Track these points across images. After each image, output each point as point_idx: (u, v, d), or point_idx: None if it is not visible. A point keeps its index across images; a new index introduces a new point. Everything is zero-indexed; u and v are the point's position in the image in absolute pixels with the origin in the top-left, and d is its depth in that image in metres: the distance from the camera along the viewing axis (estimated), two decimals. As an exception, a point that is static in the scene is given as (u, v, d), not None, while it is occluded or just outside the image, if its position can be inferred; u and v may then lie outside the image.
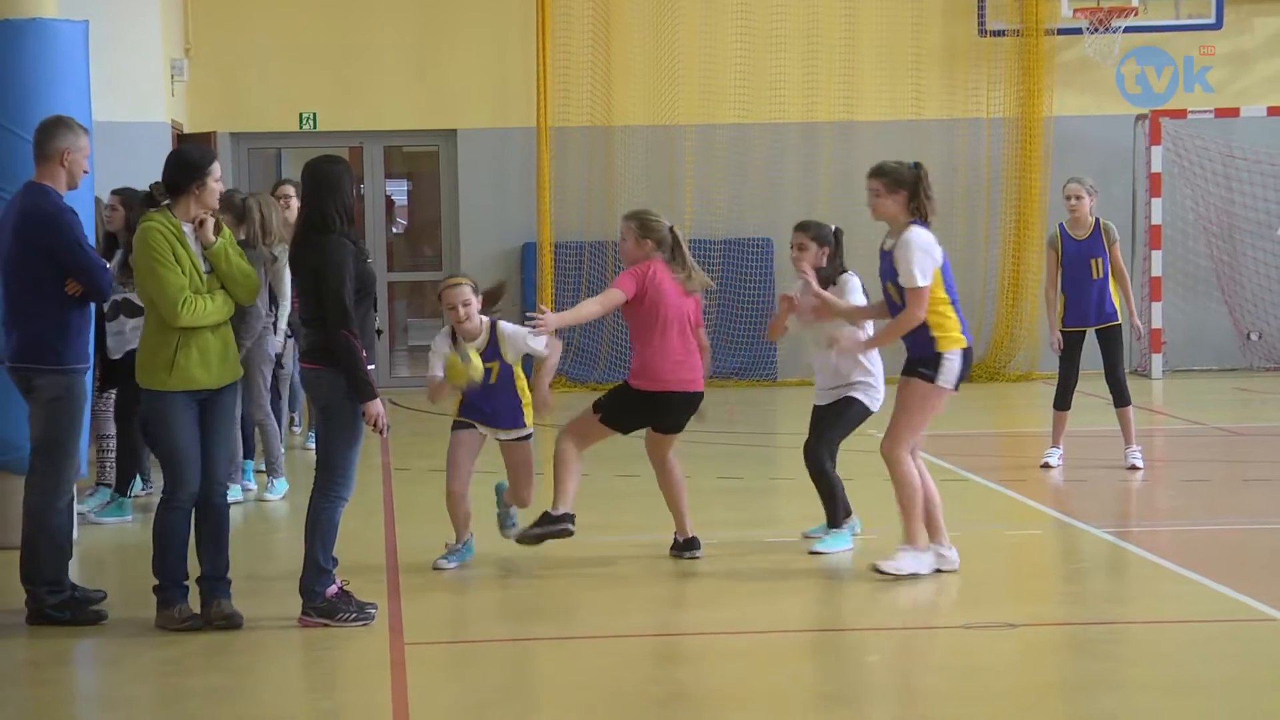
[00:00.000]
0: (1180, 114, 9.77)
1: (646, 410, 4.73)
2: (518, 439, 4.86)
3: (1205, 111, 9.88)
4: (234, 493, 5.13)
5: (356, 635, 3.97)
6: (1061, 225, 6.45)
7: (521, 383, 4.79)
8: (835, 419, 5.09)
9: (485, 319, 4.69)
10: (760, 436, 8.51)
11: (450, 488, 4.77)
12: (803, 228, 5.13)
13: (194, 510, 3.83)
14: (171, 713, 3.43)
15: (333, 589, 3.83)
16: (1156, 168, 9.70)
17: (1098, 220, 6.28)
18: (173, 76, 9.42)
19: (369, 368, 3.78)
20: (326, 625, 3.80)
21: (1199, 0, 9.83)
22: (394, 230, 11.51)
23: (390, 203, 11.29)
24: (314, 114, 9.98)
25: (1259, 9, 10.24)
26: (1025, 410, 9.72)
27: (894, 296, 4.35)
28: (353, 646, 3.94)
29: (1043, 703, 3.41)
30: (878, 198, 4.51)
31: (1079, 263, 6.34)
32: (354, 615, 3.83)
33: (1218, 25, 9.69)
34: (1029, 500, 6.02)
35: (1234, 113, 9.90)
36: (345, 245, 3.75)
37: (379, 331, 4.13)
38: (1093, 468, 6.85)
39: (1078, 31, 9.79)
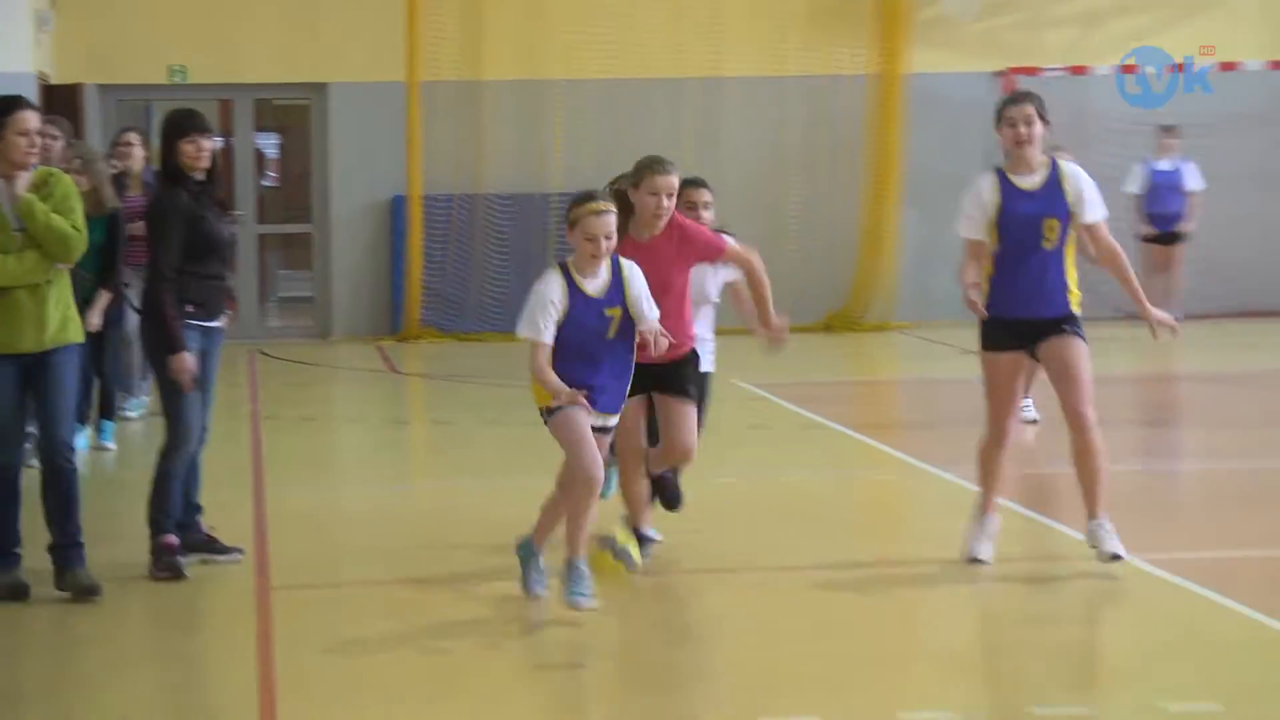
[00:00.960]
0: (1034, 71, 10.10)
1: None
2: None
3: (1059, 69, 10.25)
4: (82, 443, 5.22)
5: (224, 578, 4.16)
6: None
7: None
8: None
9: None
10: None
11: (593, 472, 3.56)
12: (700, 183, 4.55)
13: (44, 475, 3.79)
14: (36, 661, 3.59)
15: (169, 539, 3.90)
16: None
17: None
18: (38, 26, 9.45)
19: (209, 321, 3.86)
20: (166, 577, 3.88)
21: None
22: (264, 183, 11.62)
23: (260, 156, 11.42)
24: (183, 67, 10.05)
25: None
26: (882, 359, 10.17)
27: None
28: (220, 589, 4.12)
29: (889, 638, 3.70)
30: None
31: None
32: (167, 573, 3.84)
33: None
34: (883, 445, 6.36)
35: (1084, 70, 10.29)
36: (177, 197, 3.76)
37: (226, 288, 4.03)
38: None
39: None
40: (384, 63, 10.09)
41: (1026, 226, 4.03)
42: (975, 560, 4.12)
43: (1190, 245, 9.99)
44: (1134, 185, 10.11)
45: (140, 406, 6.67)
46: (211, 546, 4.10)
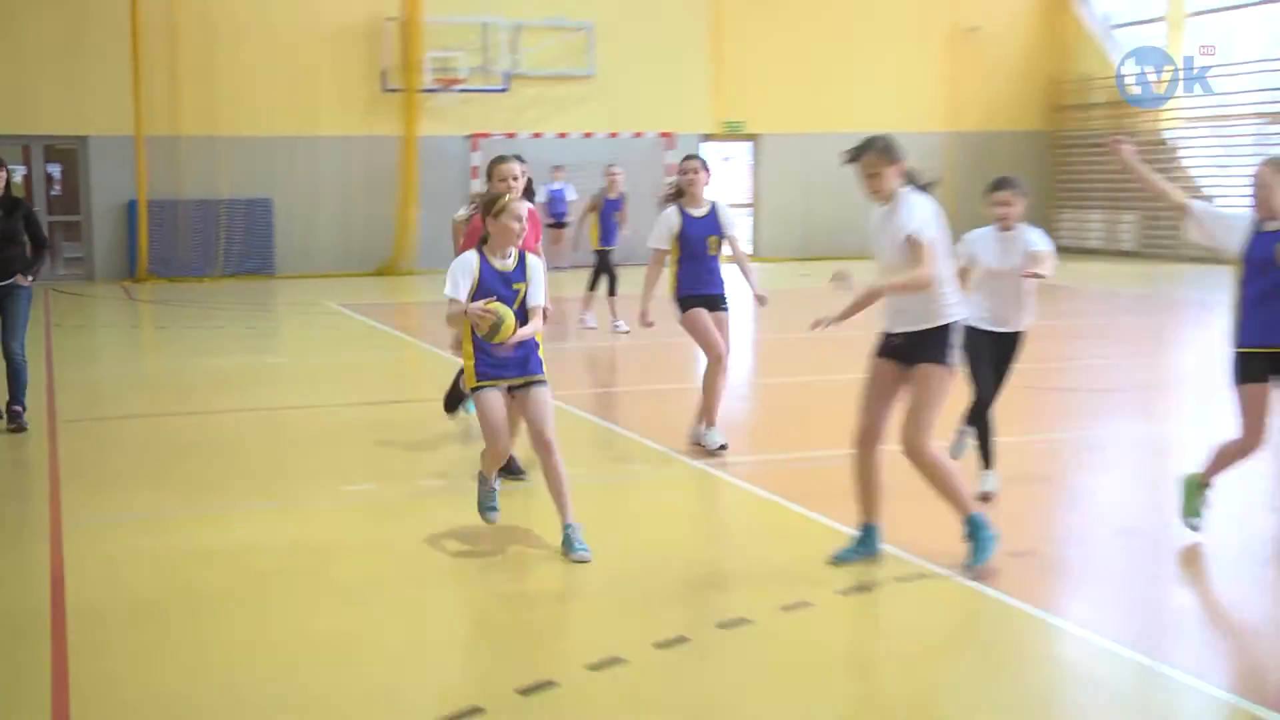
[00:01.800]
0: (486, 135, 18.84)
1: None
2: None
3: (508, 134, 19.00)
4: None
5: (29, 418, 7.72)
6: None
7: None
8: None
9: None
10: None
11: (501, 450, 5.01)
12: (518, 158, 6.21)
13: None
14: None
15: None
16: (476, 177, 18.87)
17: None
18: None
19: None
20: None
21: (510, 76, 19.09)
22: (53, 192, 18.65)
23: (50, 177, 18.53)
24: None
25: (531, 82, 19.44)
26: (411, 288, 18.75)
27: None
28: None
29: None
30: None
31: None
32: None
33: (504, 89, 18.97)
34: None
35: (524, 134, 19.16)
36: None
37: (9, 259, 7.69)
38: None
39: (434, 90, 18.77)
40: (122, 120, 17.55)
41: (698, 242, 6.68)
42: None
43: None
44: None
45: None
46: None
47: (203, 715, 3.69)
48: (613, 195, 12.45)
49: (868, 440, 4.83)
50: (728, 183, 20.25)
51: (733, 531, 6.07)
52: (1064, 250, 10.45)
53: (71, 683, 3.88)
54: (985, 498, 5.47)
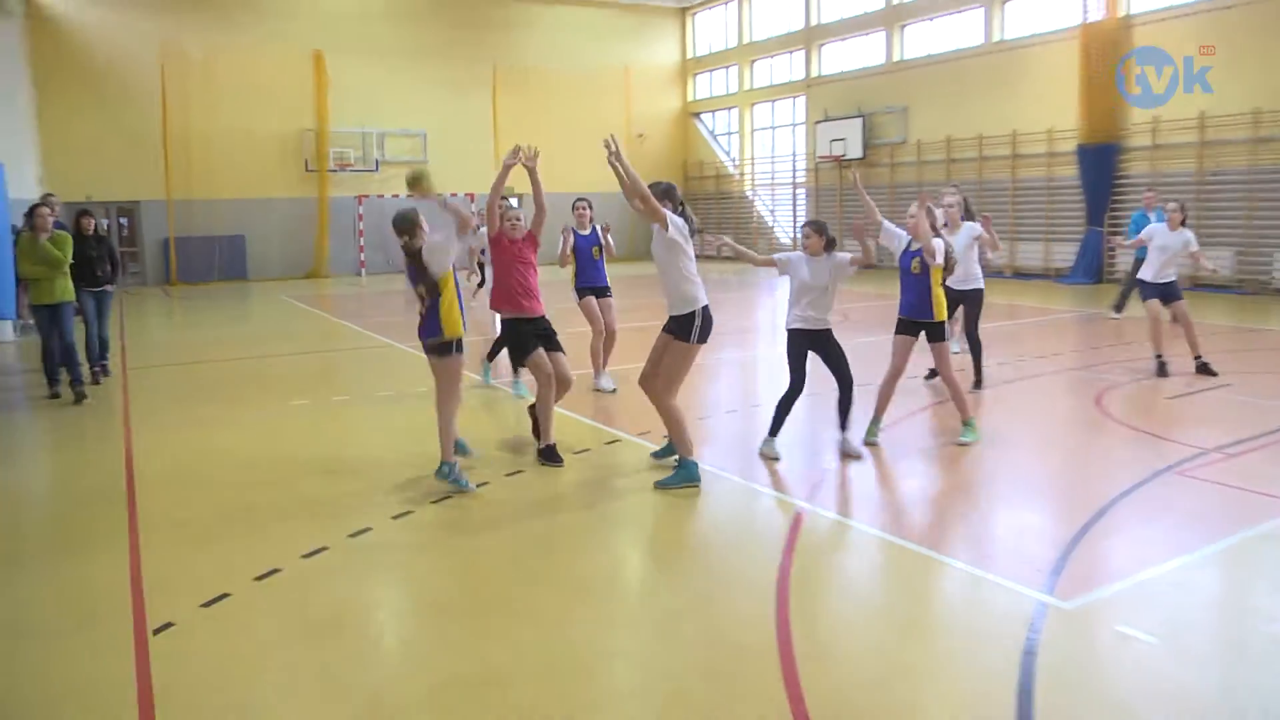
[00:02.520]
0: (366, 196, 33.40)
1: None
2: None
3: (379, 195, 33.64)
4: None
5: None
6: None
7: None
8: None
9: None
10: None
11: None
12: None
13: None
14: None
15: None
16: (362, 219, 33.45)
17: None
18: None
19: None
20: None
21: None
22: None
23: None
24: None
25: (391, 165, 34.19)
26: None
27: None
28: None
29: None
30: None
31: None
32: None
33: (376, 170, 33.67)
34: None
35: (388, 195, 33.91)
36: None
37: None
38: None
39: (335, 170, 32.97)
40: (159, 189, 31.27)
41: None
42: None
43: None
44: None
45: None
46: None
47: (209, 515, 6.51)
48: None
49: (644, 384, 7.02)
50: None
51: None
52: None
53: (140, 518, 6.39)
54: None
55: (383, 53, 32.41)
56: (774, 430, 7.74)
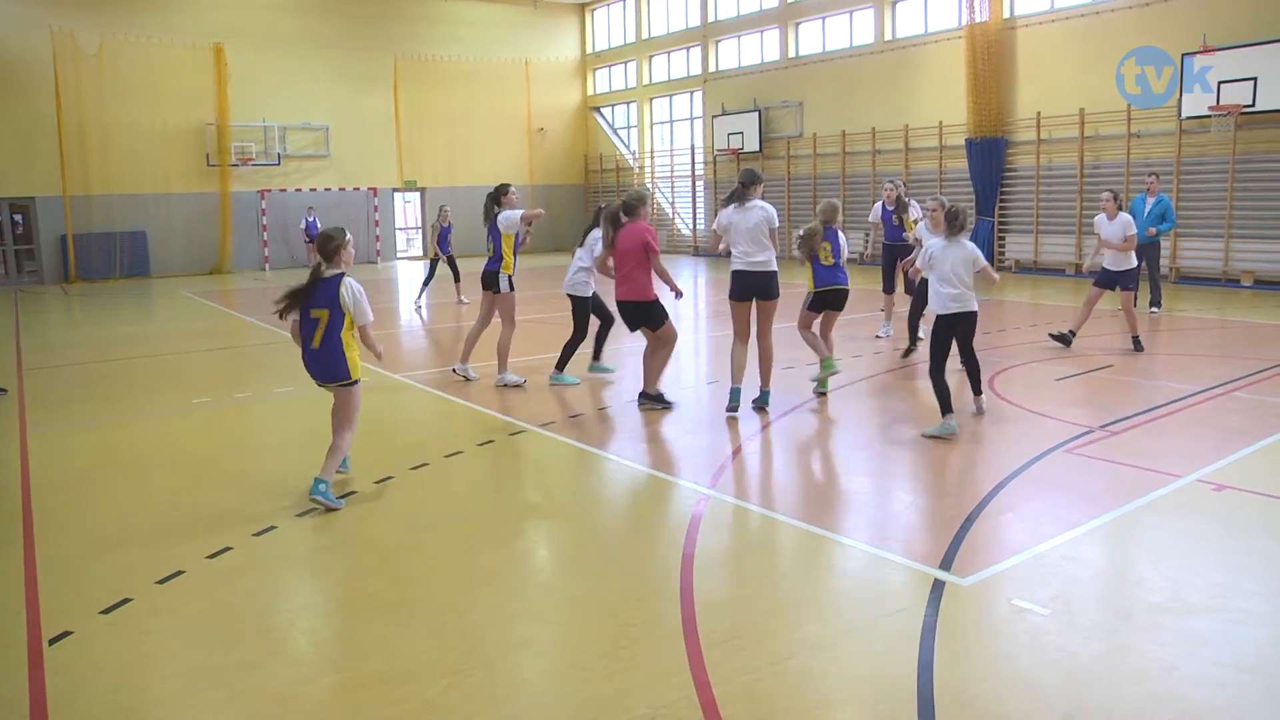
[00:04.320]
0: (269, 190, 32.75)
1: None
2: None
3: (281, 189, 33.01)
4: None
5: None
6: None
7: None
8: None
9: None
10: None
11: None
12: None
13: None
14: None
15: None
16: (265, 214, 32.78)
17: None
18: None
19: None
20: None
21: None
22: None
23: None
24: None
25: (293, 159, 33.56)
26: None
27: None
28: None
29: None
30: None
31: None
32: None
33: (278, 164, 32.99)
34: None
35: (290, 189, 33.25)
36: None
37: None
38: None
39: (237, 165, 32.30)
40: (54, 185, 30.26)
41: None
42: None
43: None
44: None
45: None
46: None
47: (110, 518, 6.44)
48: (445, 224, 18.12)
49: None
50: (411, 216, 35.20)
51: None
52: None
53: (36, 524, 6.34)
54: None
55: (284, 45, 31.87)
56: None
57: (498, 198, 10.06)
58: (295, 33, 32.19)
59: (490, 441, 8.28)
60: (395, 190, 34.59)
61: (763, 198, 8.90)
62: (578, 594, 5.26)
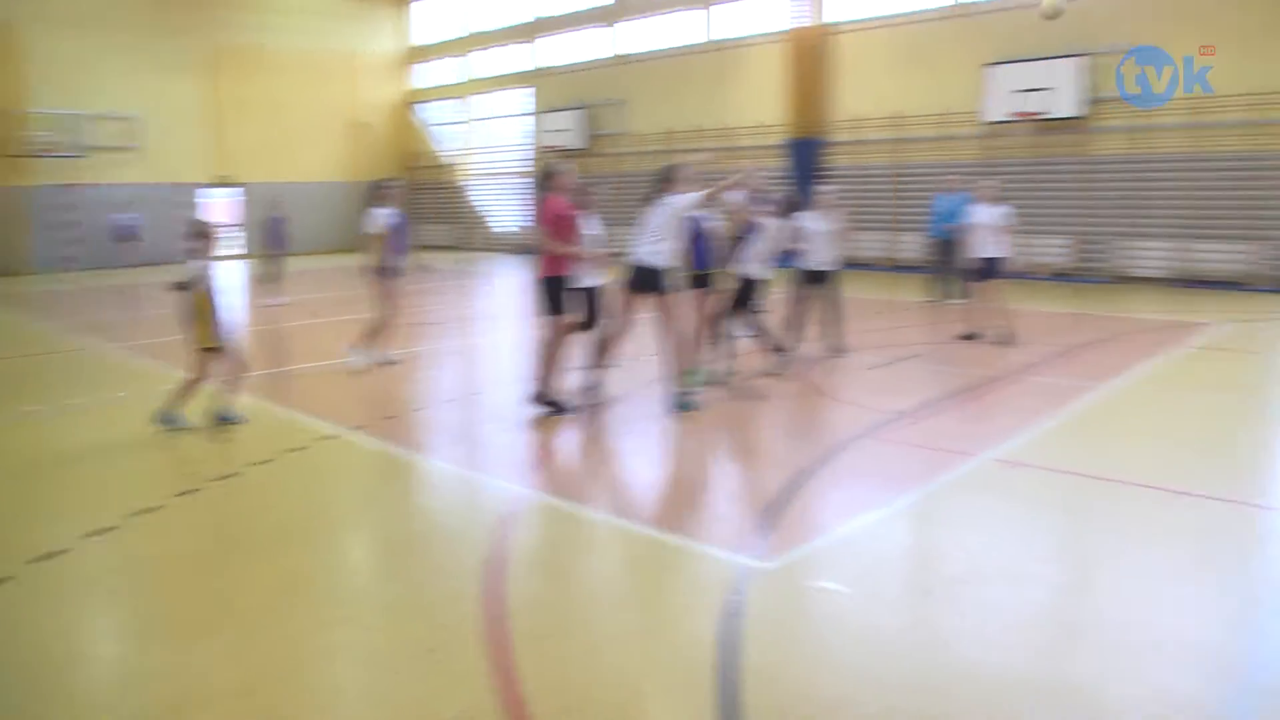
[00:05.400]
0: (76, 184, 30.94)
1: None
2: None
3: (92, 184, 31.22)
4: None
5: None
6: None
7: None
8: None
9: None
10: None
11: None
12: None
13: None
14: None
15: None
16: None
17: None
18: None
19: None
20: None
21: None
22: None
23: None
24: None
25: (103, 151, 31.79)
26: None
27: None
28: None
29: None
30: None
31: None
32: None
33: (84, 156, 31.21)
34: None
35: (102, 184, 31.52)
36: None
37: None
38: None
39: (42, 156, 30.42)
40: None
41: None
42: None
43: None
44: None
45: None
46: None
47: None
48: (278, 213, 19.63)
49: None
50: (225, 213, 33.84)
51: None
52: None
53: None
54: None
55: (88, 27, 30.03)
56: None
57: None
58: (101, 14, 29.98)
59: (304, 449, 8.04)
60: (209, 185, 33.15)
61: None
62: (388, 598, 5.18)
